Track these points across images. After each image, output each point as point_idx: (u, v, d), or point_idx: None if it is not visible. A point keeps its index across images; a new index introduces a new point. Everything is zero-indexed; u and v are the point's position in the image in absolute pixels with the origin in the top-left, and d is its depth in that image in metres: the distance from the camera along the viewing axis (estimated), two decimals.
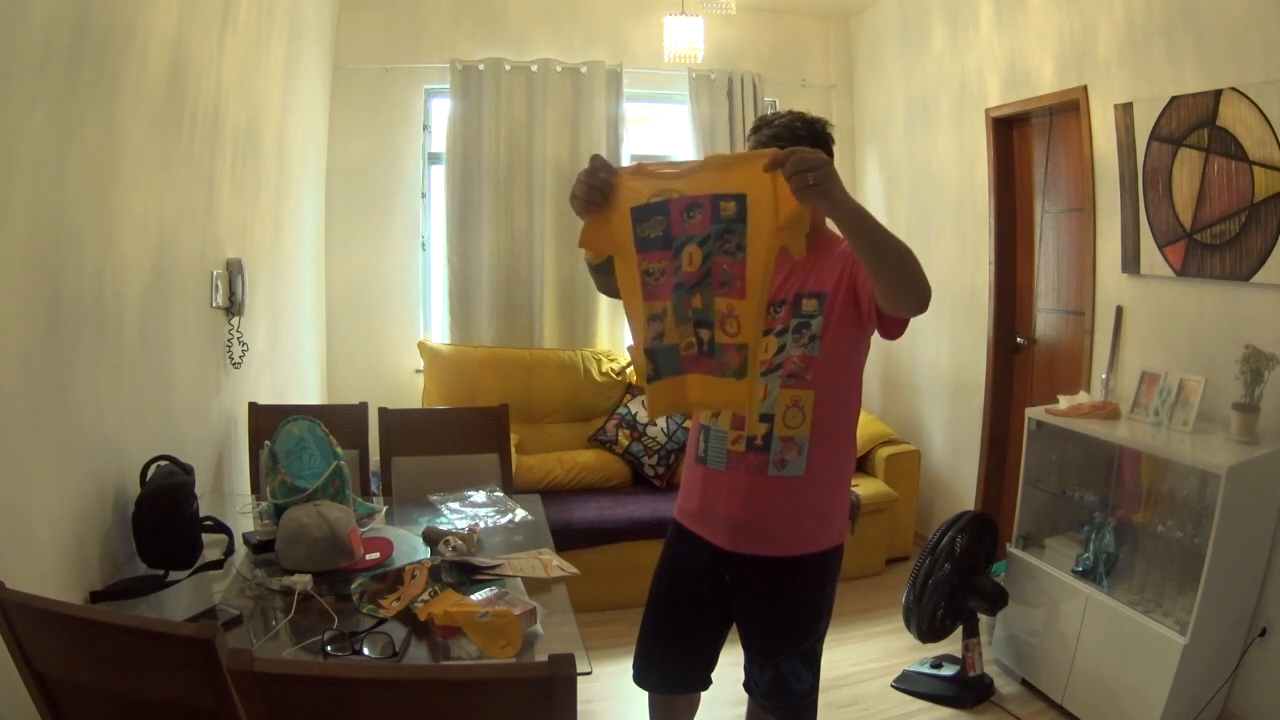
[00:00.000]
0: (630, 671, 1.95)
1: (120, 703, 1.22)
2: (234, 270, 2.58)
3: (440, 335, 4.37)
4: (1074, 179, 3.39)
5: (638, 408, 4.09)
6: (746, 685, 1.89)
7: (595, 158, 1.51)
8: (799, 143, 1.64)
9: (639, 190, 1.51)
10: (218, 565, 1.83)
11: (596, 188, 1.49)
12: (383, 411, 2.75)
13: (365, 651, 1.46)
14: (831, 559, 1.82)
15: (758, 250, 1.45)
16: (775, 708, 1.86)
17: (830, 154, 1.72)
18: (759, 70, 4.60)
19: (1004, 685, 2.98)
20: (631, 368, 4.19)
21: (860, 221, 1.43)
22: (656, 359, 1.55)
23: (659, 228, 1.50)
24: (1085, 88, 3.19)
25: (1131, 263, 3.02)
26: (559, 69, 4.33)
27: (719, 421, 1.78)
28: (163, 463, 1.90)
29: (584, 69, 4.35)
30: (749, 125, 4.59)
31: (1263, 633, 2.50)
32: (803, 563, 1.78)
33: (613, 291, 1.63)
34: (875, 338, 1.79)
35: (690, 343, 1.53)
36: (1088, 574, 2.73)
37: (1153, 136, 2.89)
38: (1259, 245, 2.53)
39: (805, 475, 1.72)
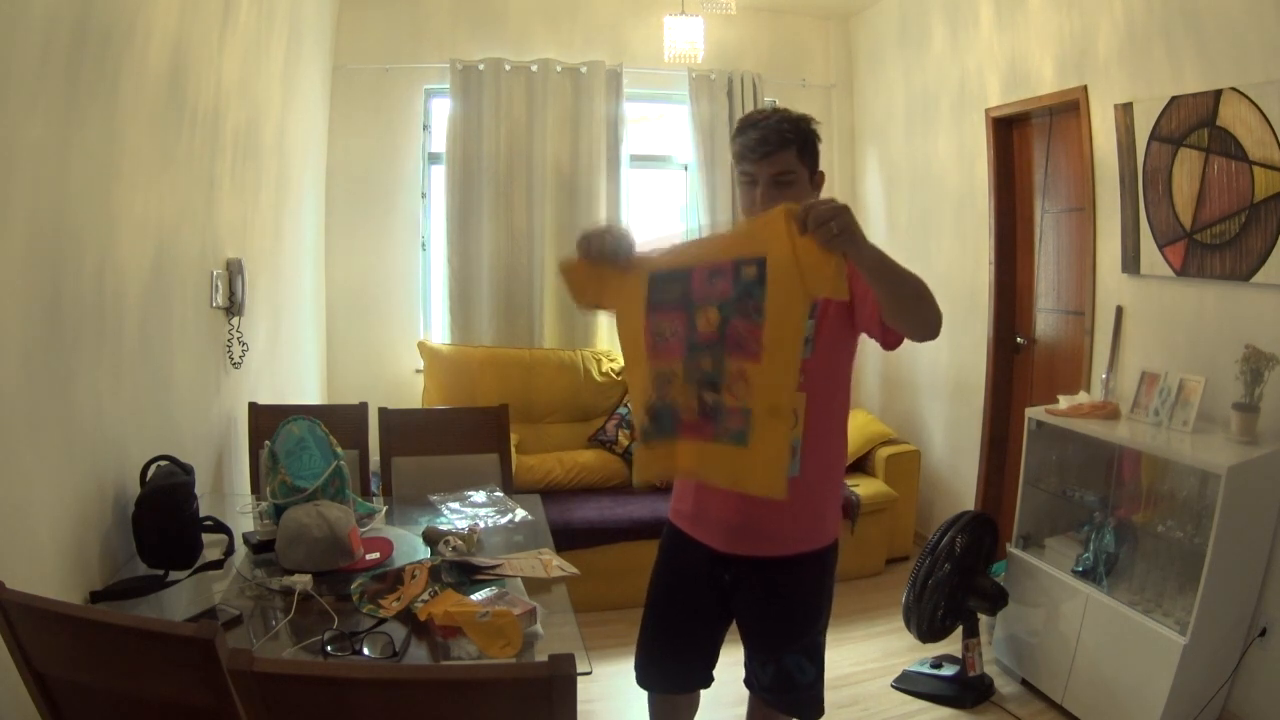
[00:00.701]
0: (632, 672, 1.95)
1: (120, 703, 1.22)
2: (234, 270, 2.58)
3: (440, 335, 4.37)
4: (1074, 179, 3.39)
5: None
6: (748, 681, 1.89)
7: (616, 230, 1.58)
8: (786, 145, 1.66)
9: (659, 260, 1.54)
10: (218, 565, 1.83)
11: (609, 255, 1.55)
12: (383, 411, 2.75)
13: (365, 651, 1.46)
14: (828, 556, 1.83)
15: (778, 307, 1.44)
16: (779, 701, 1.86)
17: (817, 152, 1.73)
18: (759, 70, 4.60)
19: (1004, 685, 2.98)
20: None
21: (881, 262, 1.43)
22: (659, 418, 1.53)
23: (677, 292, 1.52)
24: (1085, 88, 3.19)
25: (1131, 263, 3.02)
26: (559, 69, 4.33)
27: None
28: (163, 463, 1.90)
29: (584, 69, 4.35)
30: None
31: (1263, 633, 2.50)
32: (800, 561, 1.79)
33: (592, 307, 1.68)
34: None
35: (692, 405, 1.51)
36: (1088, 574, 2.73)
37: (1153, 136, 2.89)
38: (1259, 245, 2.53)
39: (801, 476, 1.72)
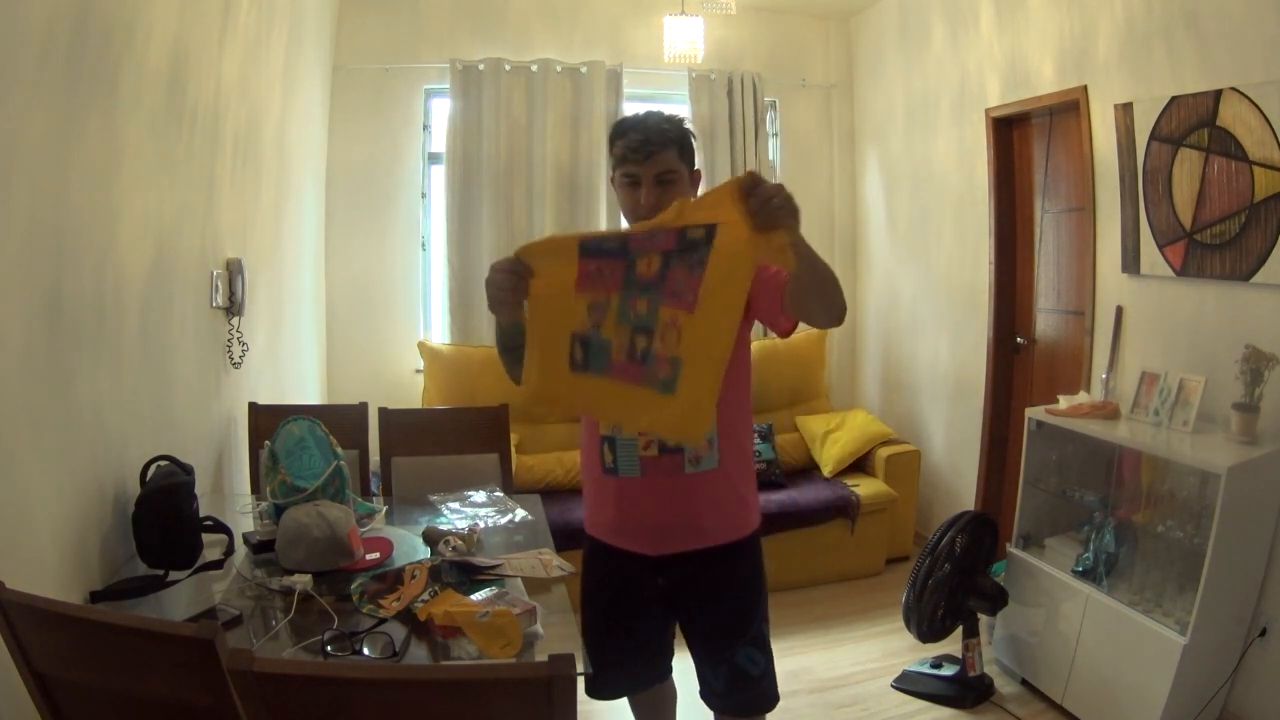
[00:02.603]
0: None
1: (120, 703, 1.22)
2: (234, 270, 2.58)
3: (440, 335, 4.37)
4: (1074, 179, 3.39)
5: None
6: (703, 694, 1.89)
7: (515, 257, 1.52)
8: (668, 145, 1.68)
9: (588, 234, 1.54)
10: (218, 565, 1.83)
11: (518, 273, 1.50)
12: (383, 411, 2.75)
13: (365, 651, 1.46)
14: (756, 542, 1.87)
15: (721, 266, 1.44)
16: (736, 703, 1.86)
17: (694, 150, 1.77)
18: (759, 70, 4.60)
19: (1004, 685, 2.98)
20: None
21: (806, 245, 1.47)
22: (588, 348, 1.52)
23: (613, 242, 1.52)
24: (1085, 88, 3.19)
25: (1131, 263, 3.02)
26: (559, 69, 4.33)
27: (623, 431, 1.74)
28: (163, 463, 1.90)
29: (584, 69, 4.35)
30: (747, 126, 4.59)
31: (1263, 633, 2.50)
32: (733, 550, 1.82)
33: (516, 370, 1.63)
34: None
35: (623, 345, 1.51)
36: (1088, 574, 2.73)
37: (1153, 136, 2.89)
38: (1259, 245, 2.53)
39: (720, 467, 1.76)
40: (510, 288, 1.51)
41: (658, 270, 1.48)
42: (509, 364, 1.71)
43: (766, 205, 1.36)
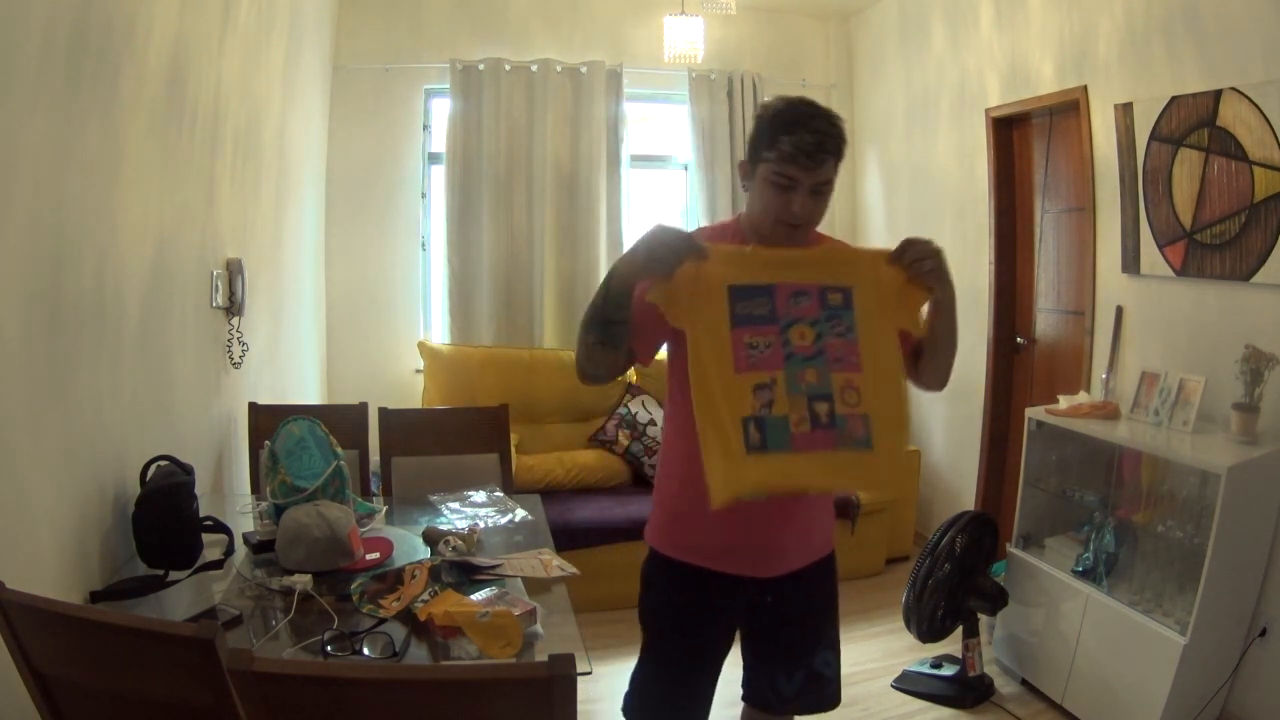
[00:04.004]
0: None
1: (120, 703, 1.22)
2: (234, 270, 2.58)
3: (440, 335, 4.37)
4: (1074, 179, 3.39)
5: (638, 407, 4.08)
6: (759, 700, 1.82)
7: (691, 235, 1.45)
8: (837, 153, 1.51)
9: (736, 272, 1.48)
10: (218, 565, 1.82)
11: (694, 248, 1.43)
12: (383, 411, 2.75)
13: (365, 651, 1.46)
14: (834, 551, 1.85)
15: (869, 330, 1.50)
16: (808, 704, 1.82)
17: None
18: (759, 70, 4.60)
19: (1004, 685, 2.98)
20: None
21: (952, 304, 1.52)
22: (764, 429, 1.46)
23: (763, 307, 1.48)
24: (1085, 88, 3.19)
25: (1131, 263, 3.02)
26: (559, 69, 4.33)
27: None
28: (163, 463, 1.89)
29: (584, 69, 4.35)
30: (748, 126, 4.58)
31: (1263, 633, 2.50)
32: (825, 562, 1.79)
33: (605, 372, 1.55)
34: None
35: (803, 417, 1.48)
36: (1088, 574, 2.73)
37: (1153, 136, 2.89)
38: (1259, 245, 2.53)
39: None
40: (682, 248, 1.42)
41: (812, 342, 1.49)
42: (594, 342, 1.51)
43: (917, 265, 1.41)
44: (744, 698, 1.87)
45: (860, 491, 1.70)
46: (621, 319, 1.48)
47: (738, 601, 1.72)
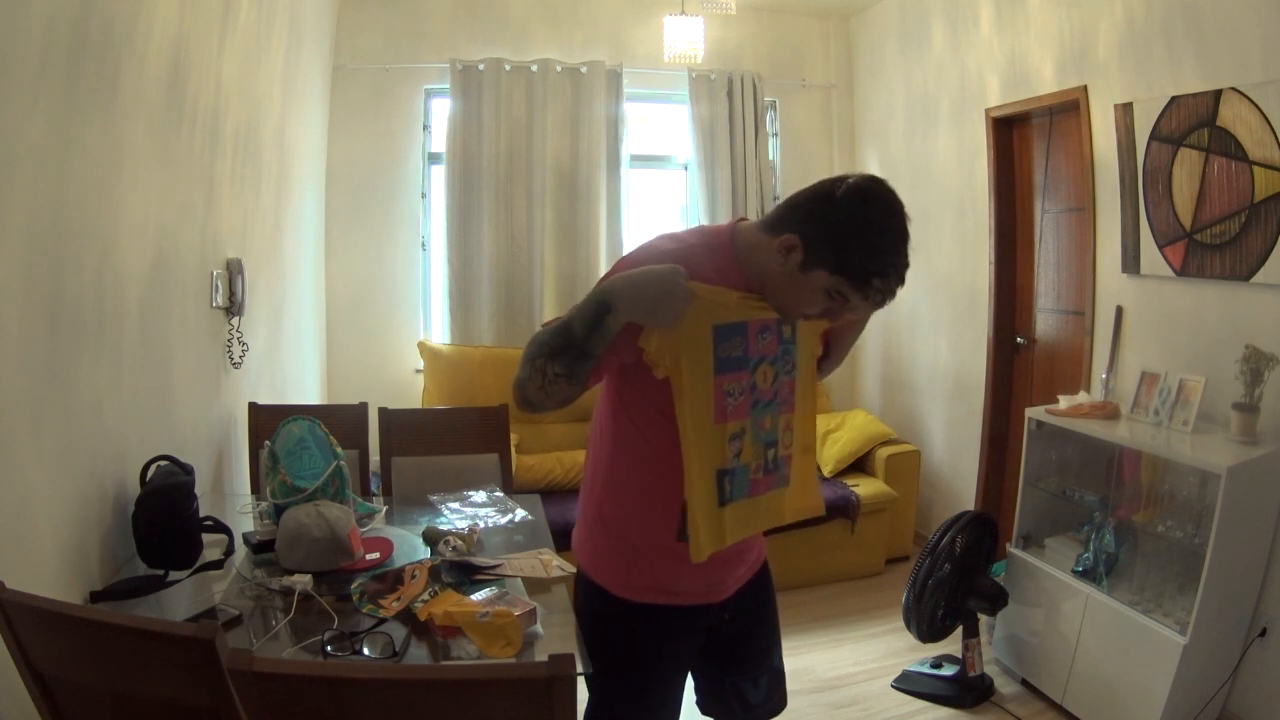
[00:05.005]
0: None
1: (120, 703, 1.22)
2: (234, 270, 2.58)
3: (440, 335, 4.37)
4: (1074, 179, 3.39)
5: None
6: (726, 713, 1.78)
7: (675, 269, 1.35)
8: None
9: (719, 311, 1.43)
10: (218, 565, 1.83)
11: (683, 308, 1.36)
12: (383, 411, 2.75)
13: (365, 651, 1.46)
14: None
15: (804, 362, 1.56)
16: (773, 707, 1.82)
17: None
18: (759, 70, 4.60)
19: (1004, 685, 2.98)
20: None
21: (865, 322, 1.69)
22: (733, 480, 1.48)
23: (739, 348, 1.46)
24: (1085, 88, 3.19)
25: (1131, 263, 3.02)
26: (559, 69, 4.33)
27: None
28: (163, 463, 1.90)
29: (584, 69, 4.35)
30: (747, 126, 4.57)
31: (1263, 633, 2.50)
32: (766, 562, 1.78)
33: (556, 405, 1.39)
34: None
35: (760, 464, 1.52)
36: (1088, 574, 2.73)
37: (1153, 136, 2.89)
38: (1259, 245, 2.53)
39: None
40: (686, 297, 1.36)
41: (771, 383, 1.51)
42: (559, 374, 1.36)
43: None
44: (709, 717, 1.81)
45: (776, 524, 1.63)
46: (598, 354, 1.37)
47: (699, 628, 1.65)
